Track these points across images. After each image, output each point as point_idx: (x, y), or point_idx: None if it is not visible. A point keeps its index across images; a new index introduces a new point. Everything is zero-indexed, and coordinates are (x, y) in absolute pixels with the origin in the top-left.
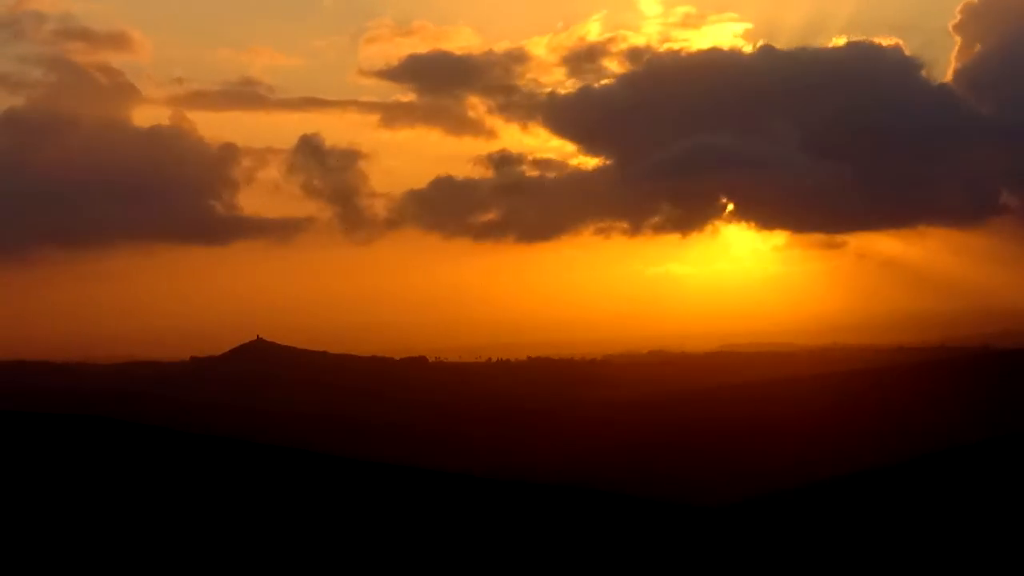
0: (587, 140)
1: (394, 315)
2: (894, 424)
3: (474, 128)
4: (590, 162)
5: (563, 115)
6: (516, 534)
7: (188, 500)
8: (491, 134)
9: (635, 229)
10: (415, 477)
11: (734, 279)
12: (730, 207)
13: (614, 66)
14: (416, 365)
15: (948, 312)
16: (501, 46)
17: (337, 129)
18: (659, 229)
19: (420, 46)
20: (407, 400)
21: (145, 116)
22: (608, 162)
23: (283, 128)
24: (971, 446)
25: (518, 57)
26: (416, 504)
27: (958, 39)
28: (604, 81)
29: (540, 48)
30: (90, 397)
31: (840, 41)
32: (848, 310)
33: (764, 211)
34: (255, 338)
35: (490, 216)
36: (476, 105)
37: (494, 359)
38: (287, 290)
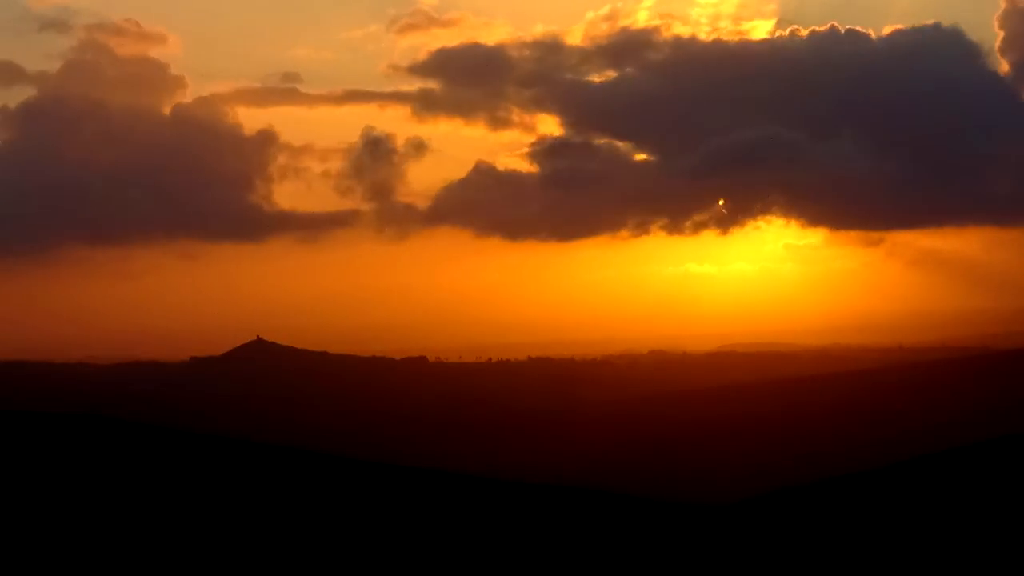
0: (629, 134)
1: (403, 316)
2: (894, 424)
3: (511, 121)
4: (631, 157)
5: (604, 108)
6: (516, 534)
7: (188, 500)
8: (528, 128)
9: (675, 226)
10: (415, 477)
11: (750, 279)
12: (773, 203)
13: (657, 56)
14: (416, 365)
15: (952, 312)
16: (538, 34)
17: (372, 123)
18: (700, 226)
19: (455, 37)
20: (407, 400)
21: (179, 111)
22: (650, 157)
23: (319, 122)
24: (971, 446)
25: (555, 47)
26: (416, 504)
27: (1001, 32)
28: (645, 72)
29: (577, 37)
30: (90, 397)
31: (891, 28)
32: (857, 310)
33: (806, 208)
34: (255, 338)
35: (525, 212)
36: (513, 97)
37: (494, 359)
38: (310, 290)
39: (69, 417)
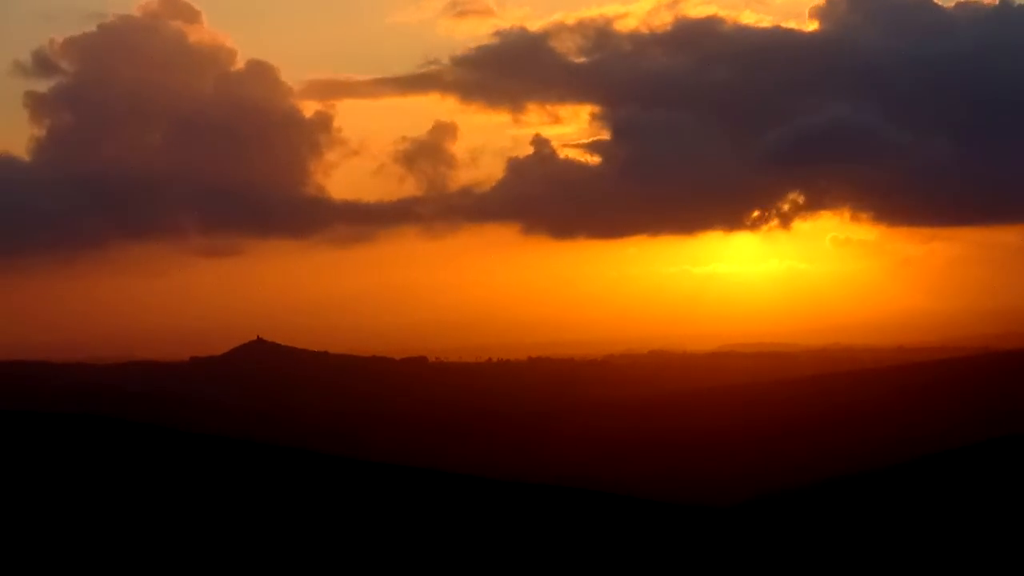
0: (685, 126)
1: (406, 316)
2: (894, 425)
3: (564, 113)
4: (687, 151)
5: (655, 98)
6: (516, 534)
7: (188, 500)
8: (582, 119)
9: (734, 222)
10: (415, 477)
11: (770, 279)
12: (835, 198)
13: (718, 44)
14: (416, 365)
15: (951, 313)
16: (592, 19)
17: (419, 114)
18: (760, 222)
19: (503, 22)
20: (407, 400)
21: (221, 103)
22: (708, 150)
23: (363, 113)
24: (971, 447)
25: (610, 34)
26: (416, 504)
27: None
28: (705, 61)
29: (633, 22)
30: (90, 397)
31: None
32: (872, 310)
33: (865, 202)
34: (255, 338)
35: (573, 207)
36: (567, 86)
37: (494, 359)
38: (336, 291)
39: (69, 417)
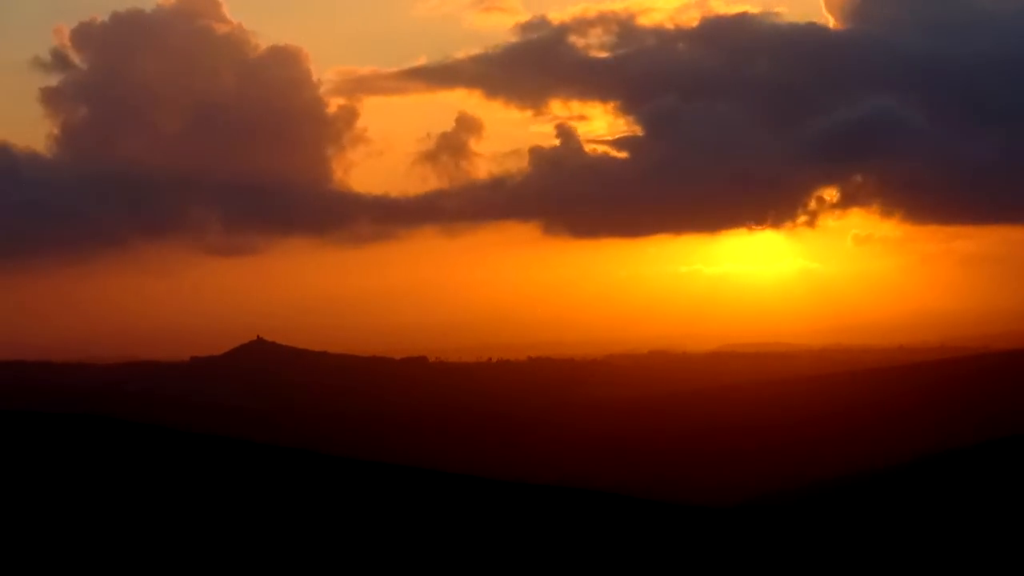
0: (712, 122)
1: (406, 316)
2: (894, 425)
3: (587, 110)
4: (712, 149)
5: (686, 94)
6: (516, 534)
7: (188, 500)
8: (605, 116)
9: (758, 221)
10: (415, 477)
11: (781, 278)
12: (866, 196)
13: (745, 41)
14: (416, 365)
15: (954, 312)
16: (616, 12)
17: (440, 109)
18: (782, 221)
19: (528, 17)
20: (407, 400)
21: (243, 95)
22: (735, 148)
23: (381, 108)
24: (971, 447)
25: (635, 29)
26: (416, 504)
27: None
28: (733, 57)
29: (659, 16)
30: (90, 397)
31: None
32: (868, 311)
33: (897, 200)
34: (255, 338)
35: (592, 206)
36: (589, 83)
37: (494, 359)
38: (350, 292)
39: (69, 417)
